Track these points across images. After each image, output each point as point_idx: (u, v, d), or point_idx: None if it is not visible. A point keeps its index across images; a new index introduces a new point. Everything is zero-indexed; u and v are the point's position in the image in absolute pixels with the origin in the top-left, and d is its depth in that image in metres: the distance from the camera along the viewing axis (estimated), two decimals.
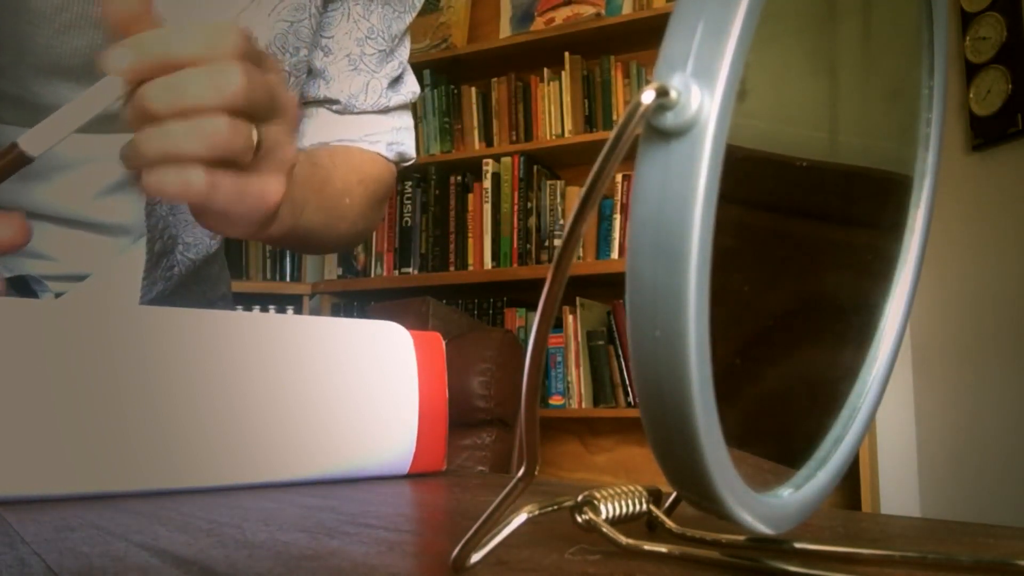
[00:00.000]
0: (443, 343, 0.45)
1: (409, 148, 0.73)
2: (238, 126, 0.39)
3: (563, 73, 2.48)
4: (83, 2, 0.52)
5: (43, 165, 0.59)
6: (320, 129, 0.68)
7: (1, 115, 0.56)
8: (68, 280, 0.62)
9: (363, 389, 0.40)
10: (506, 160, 2.49)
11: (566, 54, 2.47)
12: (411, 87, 0.73)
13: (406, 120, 0.73)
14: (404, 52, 0.72)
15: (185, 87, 0.38)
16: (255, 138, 0.40)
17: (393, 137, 0.71)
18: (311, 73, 0.67)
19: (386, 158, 0.71)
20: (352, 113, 0.69)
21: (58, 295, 0.61)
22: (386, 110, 0.70)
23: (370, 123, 0.70)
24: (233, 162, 0.40)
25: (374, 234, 2.56)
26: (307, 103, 0.69)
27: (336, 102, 0.68)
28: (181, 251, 0.64)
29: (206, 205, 0.40)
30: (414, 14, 0.70)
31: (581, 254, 2.32)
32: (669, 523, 0.23)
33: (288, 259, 2.66)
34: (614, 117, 2.41)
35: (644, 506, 0.23)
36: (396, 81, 0.71)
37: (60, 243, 0.61)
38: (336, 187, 0.61)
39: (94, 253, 0.62)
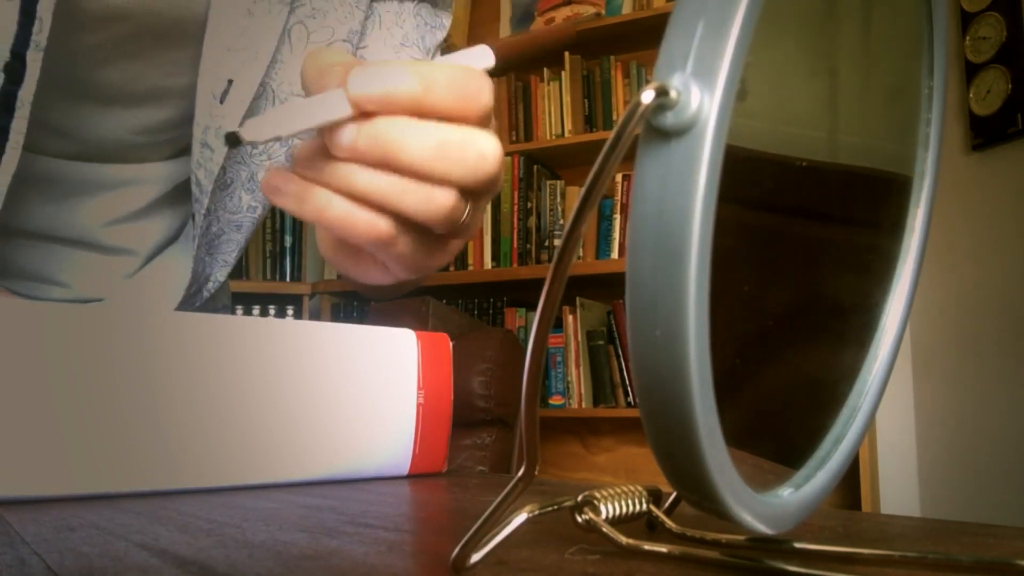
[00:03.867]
0: (450, 344, 0.45)
1: None
2: (460, 206, 0.34)
3: (563, 73, 2.48)
4: (117, 41, 0.53)
5: (88, 184, 0.60)
6: None
7: (45, 145, 0.57)
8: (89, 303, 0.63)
9: (364, 391, 0.40)
10: (506, 160, 2.49)
11: (566, 54, 2.47)
12: None
13: None
14: None
15: (445, 152, 0.32)
16: (464, 216, 0.35)
17: None
18: None
19: None
20: None
21: None
22: None
23: None
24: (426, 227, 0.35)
25: None
26: None
27: None
28: (209, 288, 0.66)
29: (375, 253, 0.36)
30: (445, 32, 0.70)
31: (581, 254, 2.32)
32: (669, 523, 0.23)
33: (288, 259, 2.66)
34: (614, 117, 2.41)
35: (644, 506, 0.23)
36: None
37: (72, 267, 0.62)
38: None
39: (104, 277, 0.64)
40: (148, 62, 0.55)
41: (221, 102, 0.55)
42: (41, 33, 0.47)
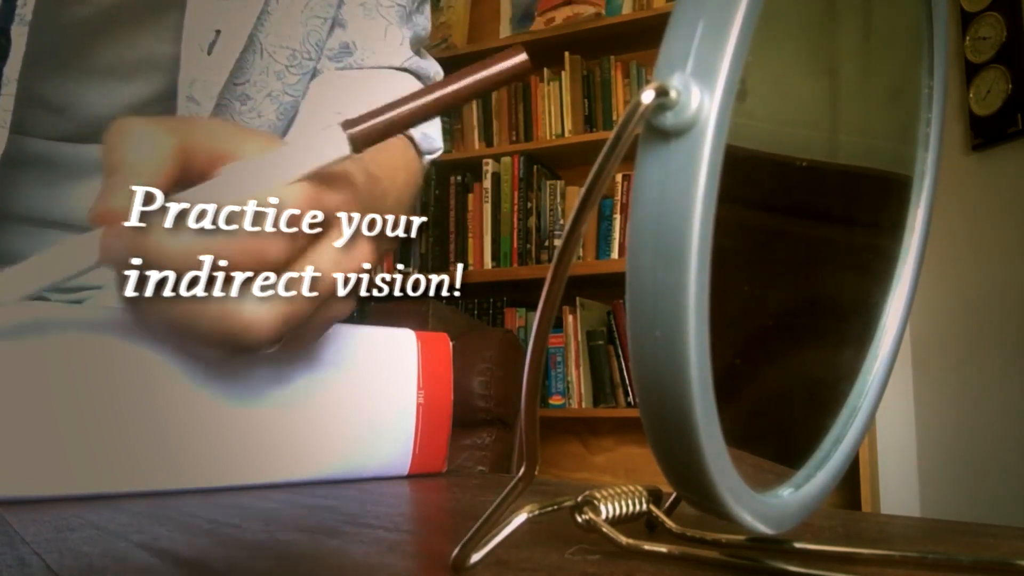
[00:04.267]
0: (450, 344, 0.45)
1: (437, 138, 0.65)
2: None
3: (563, 73, 2.47)
4: (107, 9, 0.52)
5: (82, 167, 0.59)
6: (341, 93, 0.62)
7: (37, 126, 0.56)
8: (85, 291, 0.62)
9: (363, 391, 0.40)
10: (506, 160, 2.49)
11: (566, 54, 2.47)
12: (434, 64, 0.67)
13: None
14: (424, 22, 0.67)
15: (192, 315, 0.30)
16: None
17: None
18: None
19: (418, 150, 0.63)
20: (373, 68, 0.63)
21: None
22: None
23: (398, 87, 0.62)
24: None
25: None
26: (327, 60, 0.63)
27: (353, 48, 0.62)
28: None
29: None
30: None
31: (581, 254, 2.32)
32: (669, 523, 0.23)
33: None
34: (614, 117, 2.41)
35: (644, 506, 0.23)
36: (418, 44, 0.66)
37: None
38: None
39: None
40: (139, 26, 0.54)
41: (208, 53, 0.54)
42: (26, 7, 0.46)
